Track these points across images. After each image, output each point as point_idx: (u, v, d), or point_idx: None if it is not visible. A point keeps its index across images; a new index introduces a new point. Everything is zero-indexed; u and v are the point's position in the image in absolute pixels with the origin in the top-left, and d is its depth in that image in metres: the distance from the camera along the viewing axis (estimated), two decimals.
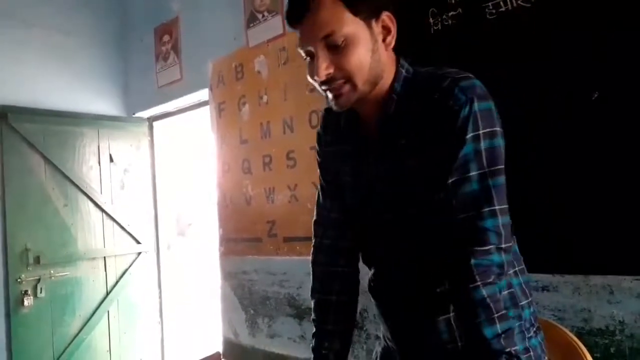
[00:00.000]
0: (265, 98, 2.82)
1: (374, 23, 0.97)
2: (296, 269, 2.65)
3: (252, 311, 2.94)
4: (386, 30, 1.00)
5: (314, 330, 1.21)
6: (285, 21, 1.01)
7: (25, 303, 3.23)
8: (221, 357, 1.58)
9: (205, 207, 4.18)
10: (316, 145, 1.26)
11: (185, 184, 4.44)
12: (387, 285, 1.14)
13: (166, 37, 3.54)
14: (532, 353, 1.01)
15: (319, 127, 1.25)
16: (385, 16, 0.99)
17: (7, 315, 3.21)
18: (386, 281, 1.14)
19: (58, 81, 3.61)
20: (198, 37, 3.28)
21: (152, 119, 4.02)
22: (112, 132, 3.78)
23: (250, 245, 2.93)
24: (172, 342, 4.00)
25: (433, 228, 0.99)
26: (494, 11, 1.83)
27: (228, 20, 3.00)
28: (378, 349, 1.28)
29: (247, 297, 2.97)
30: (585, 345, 1.20)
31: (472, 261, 0.90)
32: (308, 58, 0.99)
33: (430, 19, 1.99)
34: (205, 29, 3.20)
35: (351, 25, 0.94)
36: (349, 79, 0.96)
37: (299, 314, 2.65)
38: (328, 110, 1.21)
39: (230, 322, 3.10)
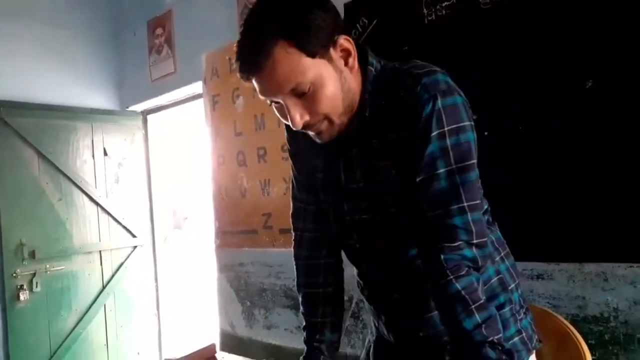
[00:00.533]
0: None
1: (332, 52, 0.92)
2: (292, 261, 2.65)
3: (248, 303, 2.95)
4: (345, 52, 0.94)
5: (304, 323, 1.22)
6: (239, 74, 0.94)
7: (21, 297, 3.23)
8: (216, 348, 1.58)
9: (201, 200, 4.17)
10: (286, 134, 1.23)
11: (180, 177, 4.42)
12: (370, 284, 1.14)
13: (159, 30, 3.52)
14: (524, 334, 1.02)
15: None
16: (342, 39, 0.93)
17: (3, 310, 3.21)
18: (369, 279, 1.14)
19: (51, 75, 3.58)
20: (191, 30, 3.26)
21: (146, 113, 4.00)
22: (106, 125, 3.76)
23: (246, 238, 2.93)
24: (169, 335, 4.01)
25: (407, 227, 0.99)
26: (488, 1, 1.83)
27: (221, 13, 2.98)
28: (371, 337, 1.28)
29: (243, 289, 2.98)
30: (580, 332, 1.21)
31: (442, 257, 0.90)
32: (273, 104, 0.96)
33: (425, 9, 1.98)
34: (198, 22, 3.19)
35: (313, 69, 0.89)
36: (325, 117, 0.94)
37: (296, 305, 2.66)
38: None
39: (227, 314, 3.11)
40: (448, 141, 0.90)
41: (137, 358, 3.79)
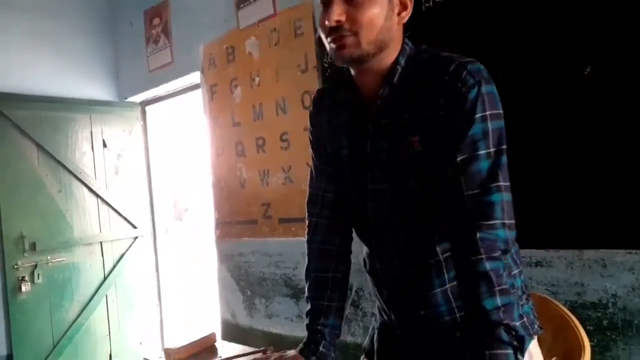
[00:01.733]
0: (257, 80, 2.80)
1: None
2: (292, 250, 2.67)
3: (249, 292, 2.96)
4: (403, 5, 1.02)
5: (309, 307, 1.24)
6: None
7: (23, 289, 3.24)
8: (216, 337, 1.59)
9: (201, 191, 4.17)
10: (309, 125, 1.27)
11: (180, 168, 4.42)
12: (382, 260, 1.15)
13: (156, 20, 3.50)
14: (525, 319, 1.04)
15: (310, 107, 1.26)
16: None
17: (5, 302, 3.22)
18: (381, 256, 1.15)
19: (48, 67, 3.57)
20: (188, 20, 3.24)
21: (144, 104, 3.99)
22: (104, 117, 3.76)
23: (246, 228, 2.94)
24: (170, 325, 4.04)
25: (427, 202, 1.02)
26: None
27: (218, 2, 2.96)
28: (375, 324, 1.29)
29: (244, 279, 2.99)
30: (579, 319, 1.22)
31: (478, 235, 0.93)
32: (322, 5, 1.01)
33: None
34: (195, 11, 3.17)
35: None
36: (356, 33, 0.98)
37: (296, 294, 2.67)
38: (322, 90, 1.23)
39: (228, 304, 3.12)
40: (490, 124, 0.96)
41: (139, 348, 3.81)
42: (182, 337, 1.67)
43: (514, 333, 0.90)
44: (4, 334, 3.21)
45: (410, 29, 1.08)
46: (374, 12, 0.97)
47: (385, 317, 1.21)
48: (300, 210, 2.67)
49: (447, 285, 1.06)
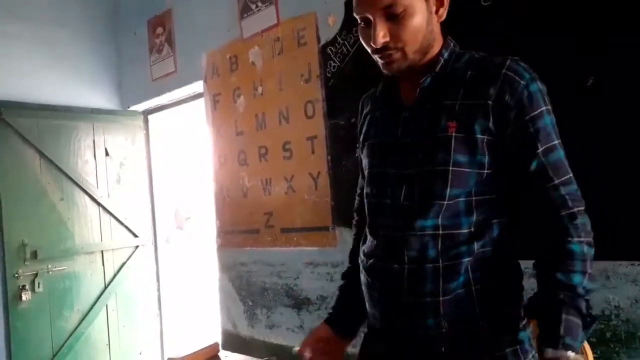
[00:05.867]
0: (260, 89, 2.81)
1: None
2: (294, 260, 2.66)
3: (250, 302, 2.95)
4: (440, 2, 1.04)
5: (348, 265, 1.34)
6: None
7: (24, 298, 3.23)
8: (219, 347, 1.59)
9: (203, 200, 4.17)
10: (360, 112, 1.30)
11: (182, 177, 4.42)
12: (383, 248, 1.11)
13: (159, 30, 3.52)
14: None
15: (360, 108, 1.31)
16: None
17: (6, 310, 3.21)
18: (383, 244, 1.11)
19: (51, 75, 3.59)
20: (192, 29, 3.26)
21: (147, 112, 4.00)
22: (107, 125, 3.77)
23: (247, 237, 2.93)
24: (171, 335, 4.01)
25: (445, 190, 1.01)
26: None
27: (221, 11, 2.98)
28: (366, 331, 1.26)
29: (245, 289, 2.98)
30: None
31: (579, 219, 0.98)
32: (362, 23, 1.03)
33: None
34: (198, 21, 3.19)
35: None
36: (401, 49, 1.01)
37: (297, 305, 2.65)
38: (366, 95, 1.29)
39: (229, 314, 3.11)
40: (552, 117, 1.02)
41: (139, 358, 3.80)
42: (185, 346, 1.67)
43: (590, 311, 0.94)
44: (3, 343, 3.20)
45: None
46: (415, 25, 0.99)
47: (373, 322, 1.17)
48: (303, 220, 2.69)
49: (440, 298, 1.01)
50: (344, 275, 1.35)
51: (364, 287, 1.18)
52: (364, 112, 1.26)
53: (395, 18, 0.98)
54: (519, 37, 1.75)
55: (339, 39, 2.37)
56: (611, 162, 1.58)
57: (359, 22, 1.04)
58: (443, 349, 1.04)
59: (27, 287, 3.26)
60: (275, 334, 2.78)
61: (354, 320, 1.29)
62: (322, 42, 2.46)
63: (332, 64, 2.41)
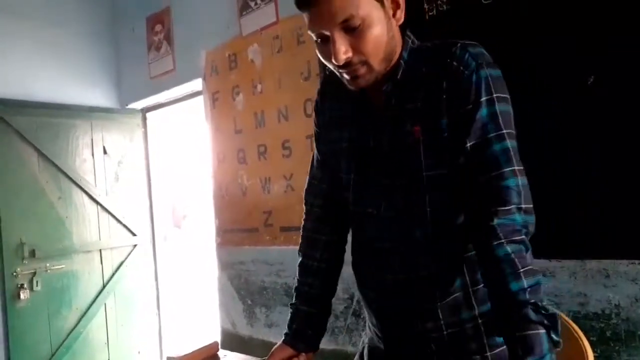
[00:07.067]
0: (259, 87, 2.80)
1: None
2: (293, 259, 2.61)
3: (249, 301, 2.94)
4: (395, 4, 0.99)
5: (295, 286, 1.28)
6: (295, 5, 0.97)
7: (22, 297, 3.22)
8: (219, 346, 1.58)
9: (200, 198, 4.17)
10: (313, 115, 1.25)
11: (180, 175, 4.42)
12: (374, 267, 1.11)
13: (158, 27, 3.51)
14: None
15: (316, 96, 1.24)
16: None
17: (4, 309, 3.20)
18: (374, 262, 1.11)
19: (50, 73, 3.57)
20: (190, 27, 3.25)
21: (145, 110, 3.99)
22: (105, 124, 3.76)
23: (246, 236, 2.93)
24: (169, 334, 4.01)
25: (428, 197, 1.00)
26: None
27: (221, 9, 2.97)
28: (365, 338, 1.27)
29: (244, 288, 2.98)
30: (582, 329, 1.21)
31: (495, 221, 0.90)
32: (319, 40, 0.97)
33: (425, 4, 1.98)
34: (197, 18, 3.18)
35: (366, 6, 0.92)
36: (366, 62, 0.96)
37: None
38: (327, 81, 1.21)
39: (227, 313, 3.10)
40: (497, 107, 0.94)
41: (137, 357, 3.79)
42: (182, 346, 1.66)
43: (543, 312, 0.87)
44: (2, 342, 3.18)
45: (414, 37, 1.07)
46: (376, 34, 0.94)
47: (372, 331, 1.18)
48: (302, 218, 2.67)
49: (438, 303, 1.02)
50: (293, 296, 1.28)
51: (361, 297, 1.20)
52: (325, 105, 1.20)
53: (354, 31, 0.92)
54: (520, 36, 1.75)
55: None
56: (611, 161, 1.58)
57: (315, 38, 0.97)
58: (434, 347, 1.05)
59: (25, 285, 3.25)
60: (274, 333, 2.78)
61: (315, 336, 1.26)
62: None
63: None
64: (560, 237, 1.70)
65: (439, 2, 1.94)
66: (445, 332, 1.03)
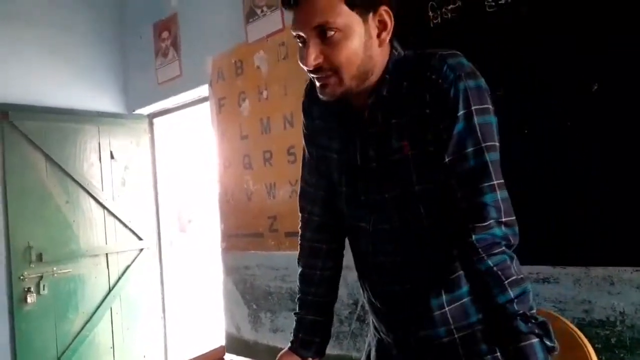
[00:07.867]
0: (265, 93, 2.82)
1: (370, 17, 0.95)
2: (298, 265, 2.66)
3: (254, 306, 2.95)
4: (382, 24, 0.97)
5: (298, 295, 1.27)
6: (281, 3, 0.98)
7: (29, 300, 3.24)
8: (225, 350, 1.59)
9: (206, 203, 4.18)
10: (303, 114, 1.23)
11: (186, 180, 4.44)
12: (374, 272, 1.12)
13: (165, 34, 3.53)
14: None
15: (303, 97, 1.23)
16: (383, 10, 0.96)
17: (11, 313, 3.22)
18: (374, 267, 1.12)
19: (58, 78, 3.60)
20: (197, 33, 3.27)
21: (152, 116, 4.01)
22: (112, 129, 3.79)
23: (251, 241, 2.94)
24: (175, 338, 4.02)
25: (423, 210, 1.00)
26: (493, 4, 1.83)
27: (227, 16, 2.99)
28: (371, 340, 1.27)
29: (249, 292, 2.99)
30: (586, 337, 1.21)
31: (473, 237, 0.91)
32: (299, 41, 0.98)
33: (430, 12, 1.99)
34: (204, 25, 3.20)
35: (346, 18, 0.92)
36: (336, 72, 0.96)
37: None
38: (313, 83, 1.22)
39: (232, 317, 3.11)
40: (475, 120, 0.93)
41: None
42: (188, 350, 1.67)
43: (533, 321, 0.88)
44: (8, 345, 3.20)
45: (417, 47, 1.07)
46: (351, 48, 0.93)
47: (382, 335, 1.19)
48: (298, 226, 2.68)
49: (446, 308, 1.02)
50: (297, 307, 1.28)
51: (365, 302, 1.20)
52: (313, 107, 1.18)
53: (329, 39, 0.92)
54: (524, 43, 1.76)
55: None
56: (615, 167, 1.58)
57: (297, 40, 0.98)
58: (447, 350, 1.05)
59: (32, 289, 3.27)
60: (279, 338, 2.78)
61: (321, 343, 1.27)
62: None
63: None
64: (564, 243, 1.70)
65: (443, 10, 1.96)
66: (456, 336, 1.04)
